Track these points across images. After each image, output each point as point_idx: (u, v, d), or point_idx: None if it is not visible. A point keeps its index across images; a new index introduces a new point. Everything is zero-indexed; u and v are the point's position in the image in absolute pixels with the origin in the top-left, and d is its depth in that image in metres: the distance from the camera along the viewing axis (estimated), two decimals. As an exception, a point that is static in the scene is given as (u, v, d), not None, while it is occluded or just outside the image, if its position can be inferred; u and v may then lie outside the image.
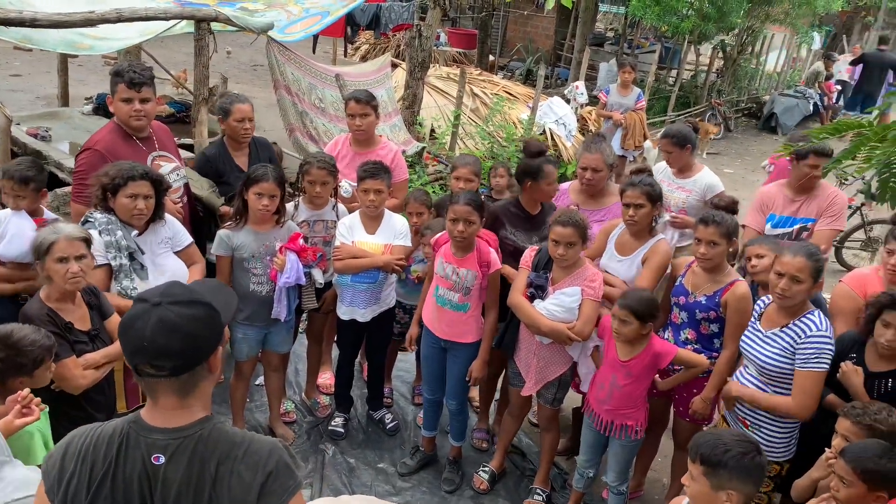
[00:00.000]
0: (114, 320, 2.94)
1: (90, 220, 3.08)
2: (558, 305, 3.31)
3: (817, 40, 15.77)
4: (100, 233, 3.04)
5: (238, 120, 4.01)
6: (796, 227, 4.16)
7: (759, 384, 3.06)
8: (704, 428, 3.59)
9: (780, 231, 4.19)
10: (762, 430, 3.05)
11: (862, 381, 2.93)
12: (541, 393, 3.61)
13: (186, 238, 3.41)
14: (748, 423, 3.09)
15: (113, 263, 3.08)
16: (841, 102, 15.08)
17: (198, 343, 1.56)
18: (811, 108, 14.20)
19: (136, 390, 3.25)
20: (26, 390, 2.41)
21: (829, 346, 2.87)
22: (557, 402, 3.61)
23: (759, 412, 3.06)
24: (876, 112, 11.33)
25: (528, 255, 3.52)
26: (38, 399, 2.45)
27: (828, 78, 14.77)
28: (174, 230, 3.36)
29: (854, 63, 12.89)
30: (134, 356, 1.54)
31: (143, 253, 3.16)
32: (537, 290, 3.41)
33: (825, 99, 14.52)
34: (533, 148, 3.80)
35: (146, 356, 1.52)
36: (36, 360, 2.48)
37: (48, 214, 3.42)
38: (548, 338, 3.40)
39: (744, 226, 4.39)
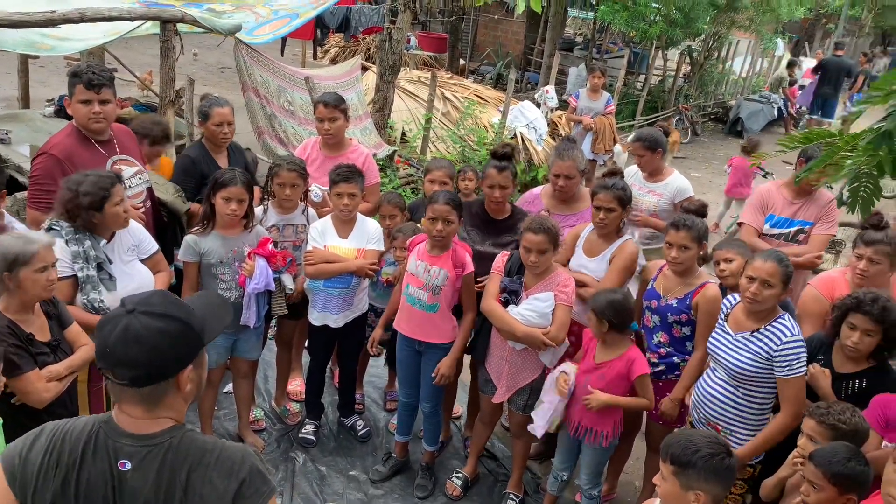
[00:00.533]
0: (73, 329, 2.85)
1: (55, 227, 2.97)
2: (532, 311, 3.30)
3: (781, 46, 16.11)
4: (66, 242, 2.93)
5: (217, 124, 3.96)
6: (794, 228, 4.24)
7: (729, 387, 3.07)
8: (676, 430, 3.61)
9: (778, 231, 4.28)
10: (734, 434, 3.07)
11: (829, 383, 2.97)
12: (512, 399, 3.59)
13: (152, 245, 3.33)
14: (720, 427, 3.11)
15: (79, 274, 2.98)
16: (804, 108, 15.43)
17: (163, 358, 1.52)
18: (776, 112, 14.49)
19: (101, 400, 3.16)
20: None
21: (804, 350, 2.91)
22: (529, 409, 3.58)
23: (729, 416, 3.08)
24: (836, 121, 11.67)
25: (500, 260, 3.51)
26: None
27: (791, 83, 15.09)
28: (139, 237, 3.27)
29: (815, 70, 13.13)
30: (98, 359, 1.54)
31: (111, 262, 3.07)
32: (511, 296, 3.40)
33: (789, 104, 14.82)
34: (499, 150, 3.81)
35: (108, 362, 1.51)
36: None
37: (8, 218, 3.31)
38: (521, 343, 3.39)
39: (741, 223, 4.47)
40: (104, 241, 3.05)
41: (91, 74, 3.33)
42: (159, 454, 1.53)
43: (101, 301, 3.01)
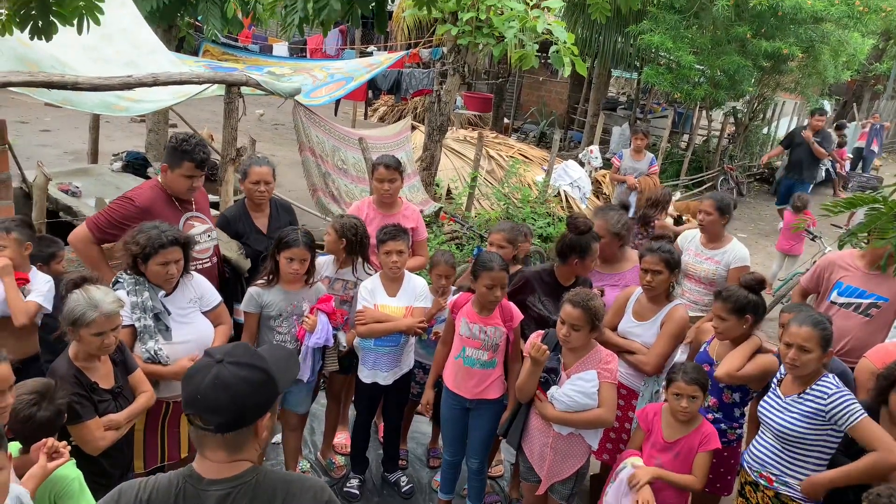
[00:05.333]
0: (137, 376, 3.00)
1: (119, 280, 3.16)
2: (578, 391, 3.19)
3: (828, 108, 16.03)
4: (127, 293, 3.11)
5: (254, 182, 4.06)
6: (867, 301, 4.06)
7: (776, 449, 3.07)
8: (723, 499, 3.56)
9: (844, 300, 4.12)
10: (787, 486, 3.05)
11: None
12: (555, 488, 3.42)
13: (215, 298, 3.46)
14: (772, 478, 3.08)
15: (137, 325, 3.12)
16: (858, 169, 15.24)
17: (247, 405, 1.63)
18: (823, 174, 14.33)
19: (155, 451, 3.28)
20: (50, 439, 2.44)
21: (853, 398, 2.90)
22: (573, 499, 3.46)
23: (777, 471, 3.05)
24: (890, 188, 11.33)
25: (533, 339, 3.40)
26: (64, 442, 2.47)
27: (839, 146, 14.95)
28: (202, 290, 3.41)
29: (783, 144, 10.88)
30: (188, 405, 1.64)
31: (169, 313, 3.21)
32: (549, 374, 3.33)
33: (837, 166, 14.66)
34: (581, 225, 3.75)
35: (198, 408, 1.61)
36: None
37: (36, 275, 3.51)
38: (568, 426, 3.29)
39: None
40: (162, 293, 3.20)
41: (202, 155, 3.57)
42: (248, 490, 1.64)
43: (159, 350, 3.14)
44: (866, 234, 2.85)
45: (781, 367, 3.22)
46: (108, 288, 2.89)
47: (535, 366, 3.26)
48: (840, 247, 3.92)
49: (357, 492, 4.14)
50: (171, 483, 1.65)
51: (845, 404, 2.86)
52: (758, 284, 3.73)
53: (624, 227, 4.12)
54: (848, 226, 8.51)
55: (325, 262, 3.98)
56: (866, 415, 2.85)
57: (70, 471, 2.48)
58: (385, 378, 3.84)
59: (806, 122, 10.34)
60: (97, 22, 2.95)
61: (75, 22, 3.31)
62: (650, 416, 3.34)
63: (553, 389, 3.27)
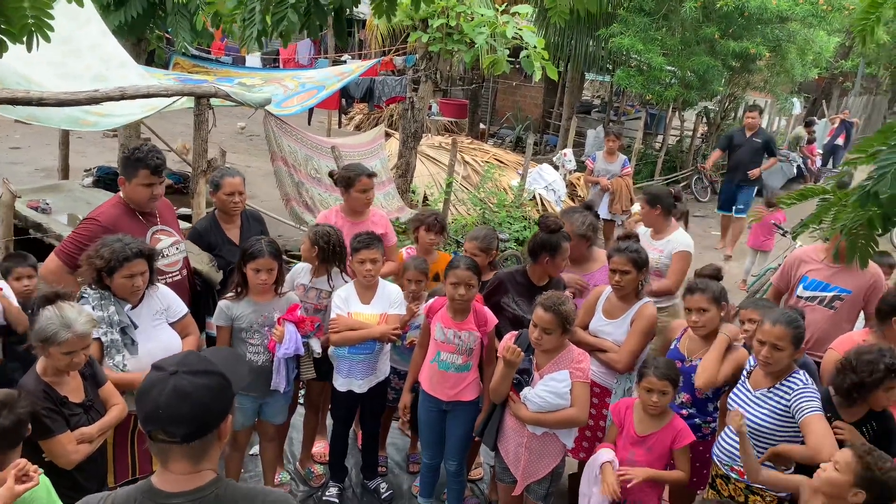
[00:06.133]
0: (107, 388, 2.98)
1: (84, 295, 3.13)
2: (550, 391, 3.22)
3: (797, 106, 16.29)
4: (93, 307, 3.08)
5: (228, 193, 4.07)
6: (830, 293, 4.16)
7: None
8: (699, 493, 3.60)
9: (809, 294, 4.23)
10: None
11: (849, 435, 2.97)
12: (531, 488, 3.45)
13: (181, 308, 3.44)
14: (744, 472, 3.10)
15: (103, 339, 3.10)
16: (829, 165, 15.49)
17: (210, 411, 1.63)
18: (794, 170, 14.57)
19: (126, 465, 3.26)
20: (22, 461, 2.42)
21: (817, 395, 2.95)
22: (549, 498, 3.49)
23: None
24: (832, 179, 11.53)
25: (508, 340, 3.41)
26: (35, 466, 2.45)
27: (809, 142, 15.21)
28: (168, 301, 3.38)
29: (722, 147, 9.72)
30: (148, 422, 1.61)
31: (136, 327, 3.19)
32: (522, 375, 3.35)
33: (808, 162, 14.91)
34: (551, 224, 3.81)
35: (160, 423, 1.59)
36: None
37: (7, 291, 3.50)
38: (542, 427, 3.31)
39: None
40: (129, 306, 3.18)
41: (157, 161, 3.54)
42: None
43: (125, 364, 3.12)
44: (817, 225, 2.92)
45: (750, 359, 3.27)
46: (80, 306, 2.88)
47: (508, 367, 3.28)
48: (794, 238, 3.99)
49: (337, 500, 4.13)
50: (129, 497, 1.63)
51: (803, 399, 2.92)
52: (716, 273, 3.87)
53: (589, 229, 4.18)
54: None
55: (301, 270, 3.99)
56: (818, 412, 2.89)
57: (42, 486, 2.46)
58: (360, 386, 3.84)
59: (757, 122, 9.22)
60: (47, 39, 2.91)
61: (24, 39, 3.27)
62: (622, 411, 3.38)
63: (526, 390, 3.28)
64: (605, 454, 3.28)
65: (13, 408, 2.49)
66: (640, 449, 3.24)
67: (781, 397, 2.99)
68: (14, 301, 3.38)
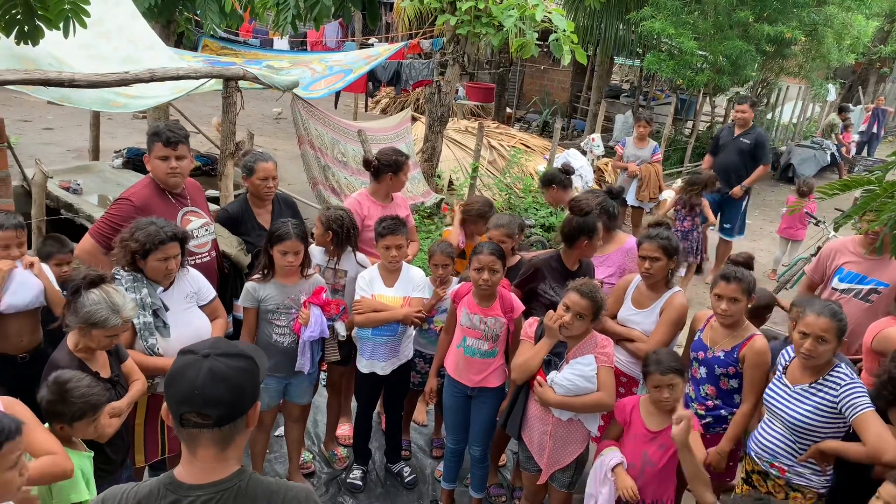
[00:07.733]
0: (128, 364, 3.04)
1: (116, 277, 3.16)
2: (578, 375, 3.19)
3: (832, 92, 15.90)
4: (126, 289, 3.11)
5: (262, 178, 4.07)
6: (867, 286, 4.04)
7: (787, 440, 3.05)
8: (728, 481, 3.56)
9: (846, 286, 4.12)
10: (800, 476, 3.05)
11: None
12: (556, 476, 3.42)
13: (210, 292, 3.48)
14: (785, 469, 3.07)
15: (135, 322, 3.13)
16: (864, 153, 15.14)
17: (244, 393, 1.63)
18: (828, 158, 14.24)
19: (156, 444, 3.32)
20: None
21: (864, 390, 2.89)
22: (573, 486, 3.46)
23: (789, 464, 3.04)
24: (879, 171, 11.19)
25: (530, 327, 3.42)
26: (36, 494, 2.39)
27: (844, 129, 14.84)
28: (198, 285, 3.42)
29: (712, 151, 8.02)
30: (182, 405, 1.59)
31: (167, 310, 3.23)
32: (555, 357, 3.31)
33: (842, 150, 14.56)
34: (585, 206, 3.79)
35: (195, 405, 1.57)
36: (75, 414, 2.56)
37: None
38: (569, 412, 3.28)
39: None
40: (161, 289, 3.22)
41: (169, 133, 3.56)
42: (230, 498, 1.61)
43: (156, 346, 3.16)
44: (860, 216, 2.82)
45: (784, 353, 3.21)
46: (122, 290, 2.93)
47: (550, 338, 3.26)
48: (836, 229, 3.87)
49: (360, 483, 4.16)
50: (151, 491, 1.63)
51: (854, 395, 2.85)
52: (749, 260, 3.72)
53: (600, 209, 4.07)
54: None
55: (316, 251, 4.00)
56: (871, 408, 2.82)
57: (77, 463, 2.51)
58: (383, 368, 3.86)
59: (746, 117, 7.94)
60: (83, 25, 2.92)
61: (61, 25, 3.27)
62: (628, 409, 3.30)
63: (553, 374, 3.26)
64: (613, 456, 3.22)
65: (77, 387, 2.57)
66: (653, 446, 3.16)
67: (827, 393, 2.92)
68: (55, 283, 3.42)
